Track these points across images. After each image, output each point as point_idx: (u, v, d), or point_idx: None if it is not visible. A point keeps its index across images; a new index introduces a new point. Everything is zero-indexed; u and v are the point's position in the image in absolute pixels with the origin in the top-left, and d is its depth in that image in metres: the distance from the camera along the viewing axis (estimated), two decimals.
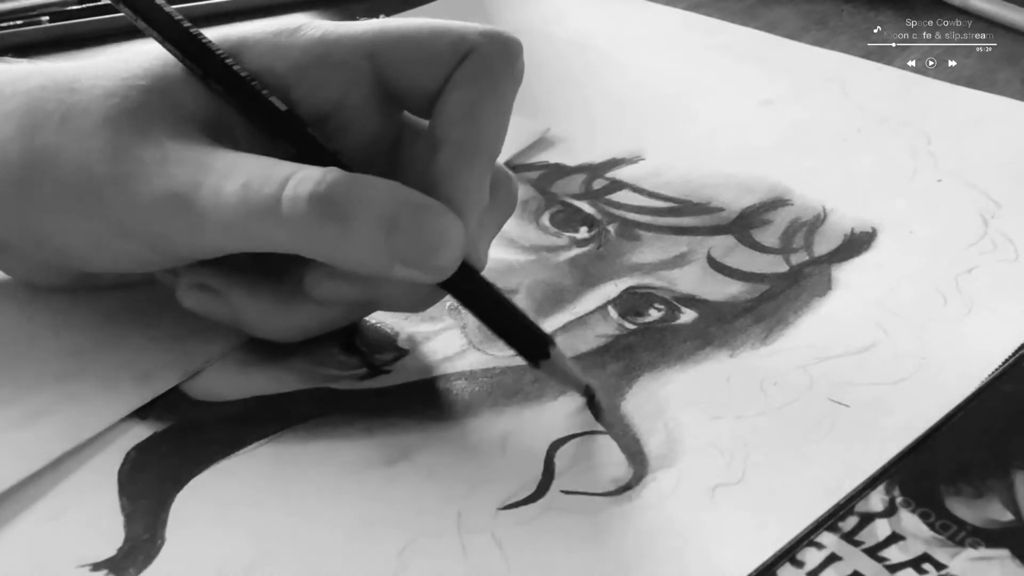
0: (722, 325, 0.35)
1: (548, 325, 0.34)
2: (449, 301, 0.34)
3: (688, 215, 0.40)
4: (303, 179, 0.28)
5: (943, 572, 0.26)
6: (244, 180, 0.28)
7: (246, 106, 0.31)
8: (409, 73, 0.32)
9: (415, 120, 0.33)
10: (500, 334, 0.31)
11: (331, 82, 0.31)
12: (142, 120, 0.30)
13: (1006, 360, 0.33)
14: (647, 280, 0.37)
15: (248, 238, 0.29)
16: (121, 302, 0.35)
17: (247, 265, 0.33)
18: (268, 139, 0.31)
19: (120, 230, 0.30)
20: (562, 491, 0.29)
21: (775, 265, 0.37)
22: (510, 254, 0.38)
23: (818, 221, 0.40)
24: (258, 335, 0.33)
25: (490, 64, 0.31)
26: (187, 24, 0.31)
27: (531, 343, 0.31)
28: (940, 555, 0.27)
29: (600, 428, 0.31)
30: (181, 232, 0.29)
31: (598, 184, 0.42)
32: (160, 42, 0.31)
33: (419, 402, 0.32)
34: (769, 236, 0.39)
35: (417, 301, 0.32)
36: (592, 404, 0.31)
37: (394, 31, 0.32)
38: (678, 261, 0.38)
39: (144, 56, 0.31)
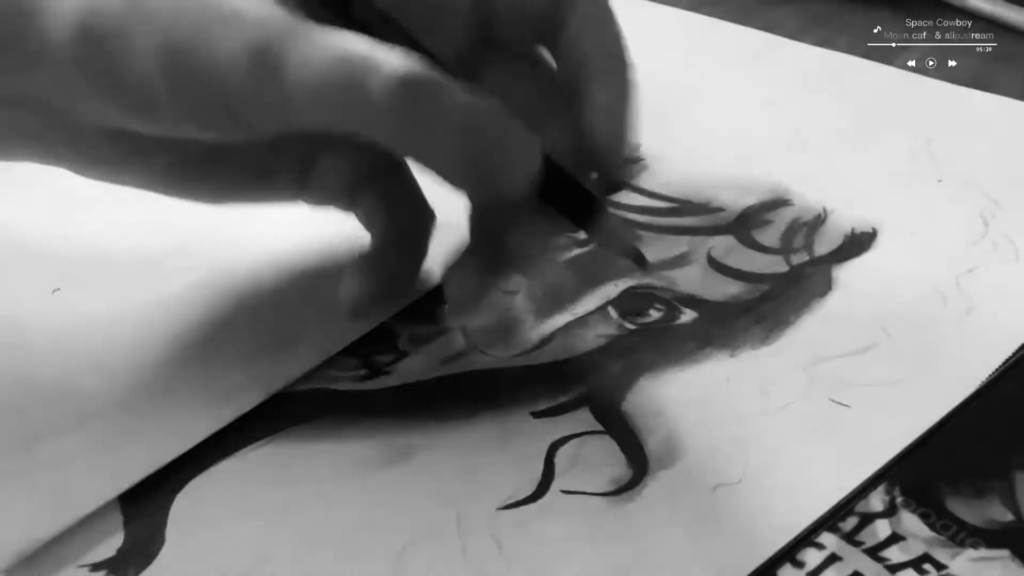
0: (722, 325, 0.35)
1: (548, 325, 0.34)
2: (450, 304, 0.35)
3: (688, 215, 0.40)
4: (399, 60, 0.27)
5: (943, 572, 0.26)
6: (340, 49, 0.28)
7: None
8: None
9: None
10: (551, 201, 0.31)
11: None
12: None
13: (1006, 360, 0.33)
14: (647, 280, 0.37)
15: (331, 111, 0.28)
16: (202, 319, 0.34)
17: None
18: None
19: (198, 80, 0.29)
20: (562, 491, 0.29)
21: (775, 265, 0.37)
22: None
23: (818, 221, 0.40)
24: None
25: None
26: None
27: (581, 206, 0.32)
28: (940, 555, 0.27)
29: (600, 428, 0.31)
30: (263, 90, 0.28)
31: None
32: None
33: (419, 402, 0.32)
34: (769, 236, 0.39)
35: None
36: (641, 263, 0.32)
37: None
38: (678, 261, 0.38)
39: None
